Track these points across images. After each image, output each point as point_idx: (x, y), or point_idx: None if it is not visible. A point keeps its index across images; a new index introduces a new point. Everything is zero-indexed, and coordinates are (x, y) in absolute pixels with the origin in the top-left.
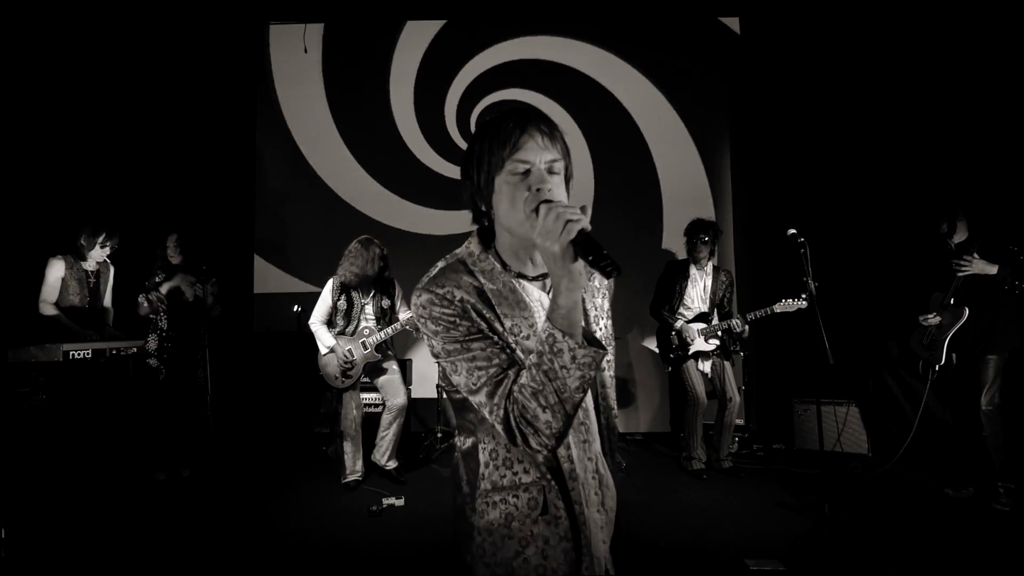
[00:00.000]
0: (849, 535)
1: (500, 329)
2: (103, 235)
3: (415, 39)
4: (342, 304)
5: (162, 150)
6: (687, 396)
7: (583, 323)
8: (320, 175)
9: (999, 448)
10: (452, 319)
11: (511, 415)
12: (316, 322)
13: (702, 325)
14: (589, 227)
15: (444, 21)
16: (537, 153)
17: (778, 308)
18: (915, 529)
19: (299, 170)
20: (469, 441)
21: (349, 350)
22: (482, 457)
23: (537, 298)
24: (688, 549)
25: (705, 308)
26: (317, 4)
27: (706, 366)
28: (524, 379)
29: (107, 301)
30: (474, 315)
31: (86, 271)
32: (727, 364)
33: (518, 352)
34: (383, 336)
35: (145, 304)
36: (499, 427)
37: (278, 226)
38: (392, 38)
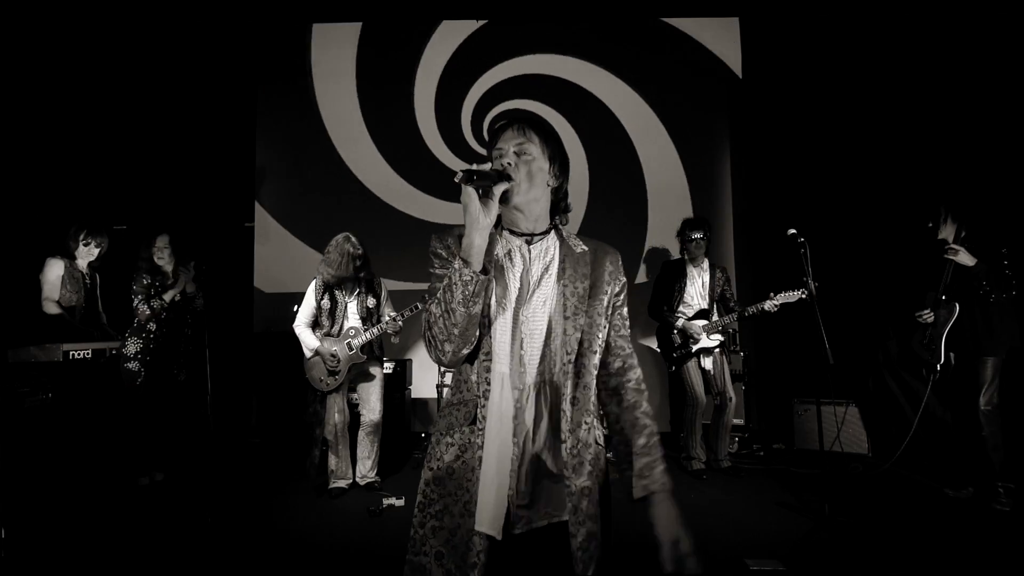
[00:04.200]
0: (849, 535)
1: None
2: (84, 232)
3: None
4: (326, 304)
5: (160, 150)
6: (686, 396)
7: (484, 260)
8: (338, 164)
9: (998, 448)
10: (437, 252)
11: (425, 325)
12: (300, 325)
13: (704, 322)
14: (480, 167)
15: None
16: (508, 141)
17: (779, 300)
18: (915, 529)
19: (307, 162)
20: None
21: (334, 352)
22: (450, 381)
23: (517, 246)
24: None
25: (705, 305)
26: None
27: (707, 362)
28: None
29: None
30: (447, 253)
31: (81, 272)
32: (726, 363)
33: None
34: (368, 337)
35: (148, 312)
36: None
37: (278, 224)
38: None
